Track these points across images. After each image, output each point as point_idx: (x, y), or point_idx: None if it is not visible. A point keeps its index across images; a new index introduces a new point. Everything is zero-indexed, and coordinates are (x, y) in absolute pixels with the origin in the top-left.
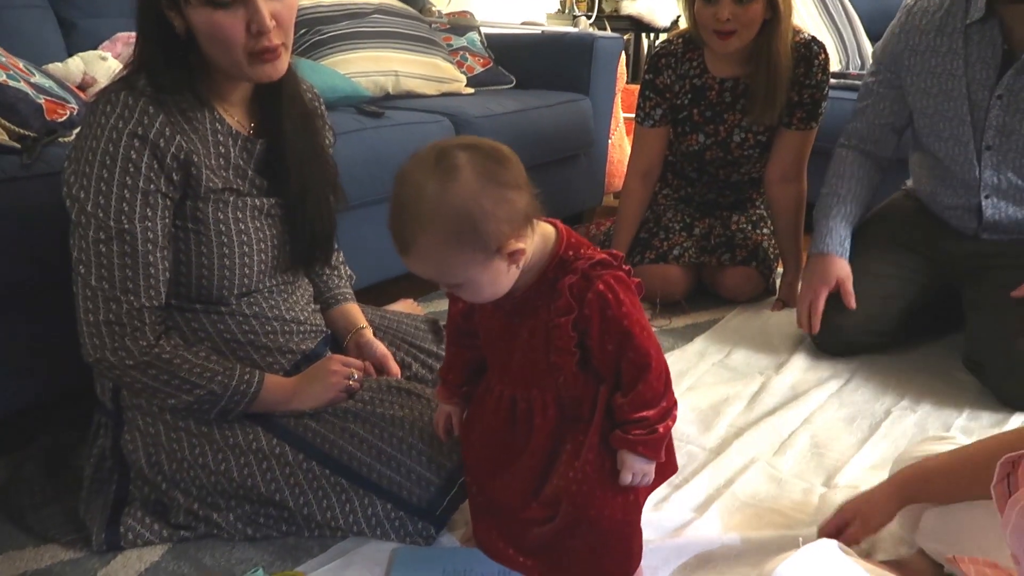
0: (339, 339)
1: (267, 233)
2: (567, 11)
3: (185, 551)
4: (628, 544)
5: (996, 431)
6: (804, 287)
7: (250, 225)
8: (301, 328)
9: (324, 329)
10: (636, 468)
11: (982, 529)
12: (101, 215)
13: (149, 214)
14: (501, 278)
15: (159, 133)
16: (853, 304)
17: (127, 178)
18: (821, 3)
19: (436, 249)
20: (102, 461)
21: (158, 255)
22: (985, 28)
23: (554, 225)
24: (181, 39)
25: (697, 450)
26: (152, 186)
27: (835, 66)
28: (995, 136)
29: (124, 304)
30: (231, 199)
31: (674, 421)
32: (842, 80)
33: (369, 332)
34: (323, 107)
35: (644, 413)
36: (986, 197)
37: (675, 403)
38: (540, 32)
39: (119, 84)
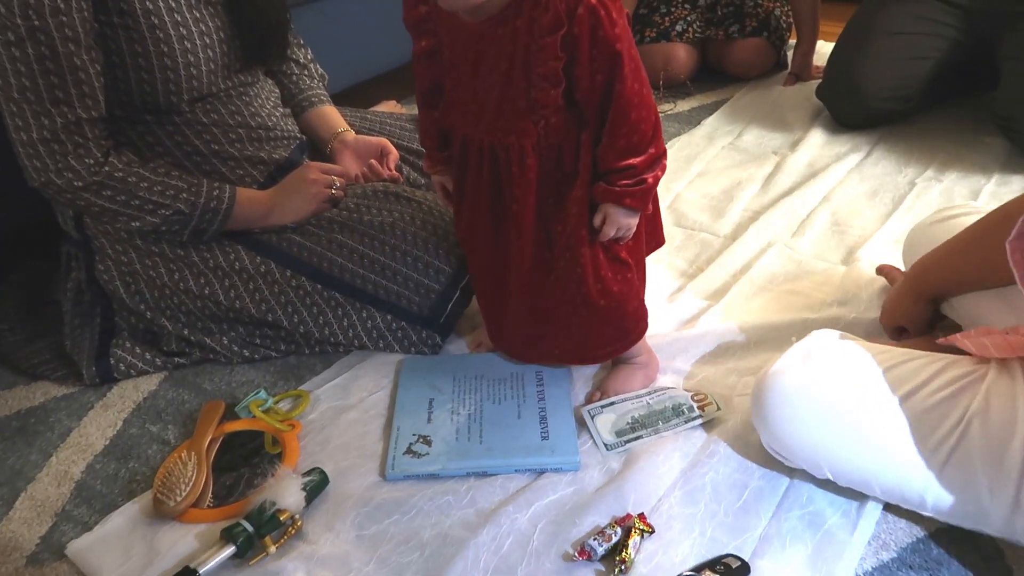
0: (319, 146)
1: (209, 25)
2: None
3: (183, 378)
4: (621, 312)
5: None
6: None
7: (187, 16)
8: (271, 135)
9: (298, 135)
10: (621, 222)
11: (990, 308)
12: (3, 11)
13: (62, 6)
14: None
15: None
16: None
17: None
18: None
19: None
20: (80, 294)
21: (84, 56)
22: None
23: None
24: None
25: (711, 237)
26: None
27: None
28: None
29: (58, 117)
30: None
31: (663, 171)
32: None
33: (352, 133)
34: None
35: (631, 160)
36: None
37: (664, 152)
38: None
39: None
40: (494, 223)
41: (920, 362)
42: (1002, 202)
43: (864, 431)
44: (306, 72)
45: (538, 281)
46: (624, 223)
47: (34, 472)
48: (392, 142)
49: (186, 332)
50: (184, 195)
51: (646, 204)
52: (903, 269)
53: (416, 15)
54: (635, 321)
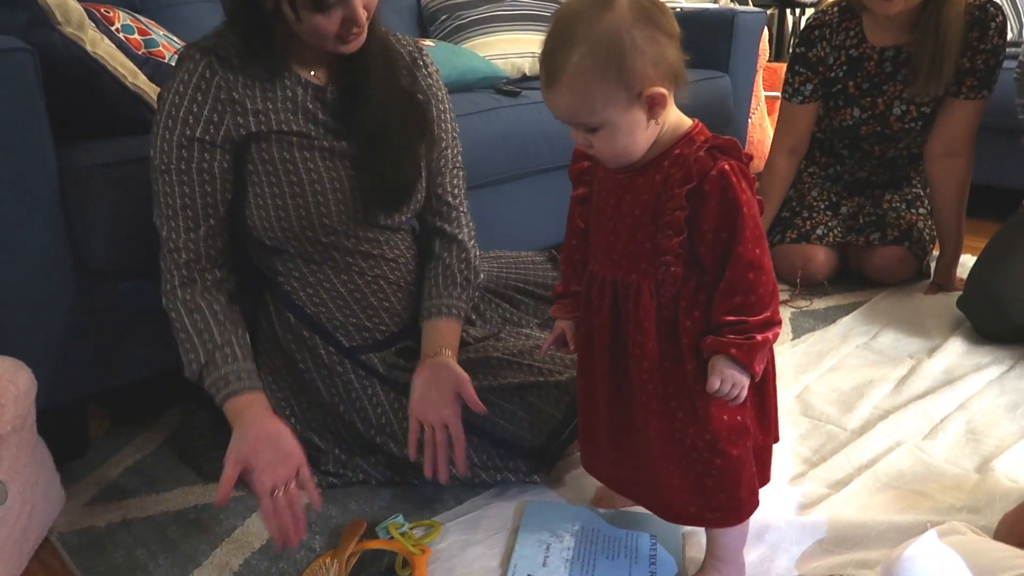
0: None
1: (341, 174)
2: None
3: (333, 496)
4: (736, 479)
5: None
6: None
7: (320, 164)
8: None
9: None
10: (726, 374)
11: None
12: (156, 159)
13: (198, 158)
14: (638, 130)
15: (218, 87)
16: None
17: (186, 128)
18: None
19: (582, 76)
20: None
21: (198, 200)
22: None
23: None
24: (267, 10)
25: (837, 430)
26: (207, 137)
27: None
28: None
29: (168, 241)
30: (295, 140)
31: (775, 337)
32: (1016, 48)
33: (443, 359)
34: (426, 58)
35: (744, 317)
36: None
37: (779, 320)
38: (679, 9)
39: (194, 43)
40: (612, 364)
41: None
42: None
43: None
44: (448, 274)
45: (654, 426)
46: (728, 375)
47: (201, 559)
48: (529, 280)
49: (339, 452)
50: (194, 365)
51: (752, 361)
52: None
53: (579, 167)
54: (749, 494)
